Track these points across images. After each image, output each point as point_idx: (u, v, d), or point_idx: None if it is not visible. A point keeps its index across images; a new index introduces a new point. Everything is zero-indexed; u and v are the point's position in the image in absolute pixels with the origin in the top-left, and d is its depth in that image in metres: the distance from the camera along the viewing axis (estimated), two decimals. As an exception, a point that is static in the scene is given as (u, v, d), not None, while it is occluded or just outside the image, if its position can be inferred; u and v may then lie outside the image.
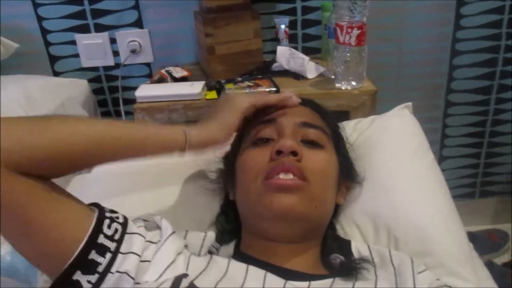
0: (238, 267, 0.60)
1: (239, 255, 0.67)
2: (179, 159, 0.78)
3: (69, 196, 0.58)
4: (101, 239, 0.55)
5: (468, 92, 1.65)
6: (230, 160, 0.76)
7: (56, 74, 1.58)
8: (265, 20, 1.47)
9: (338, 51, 1.17)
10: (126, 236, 0.58)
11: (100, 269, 0.54)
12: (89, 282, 0.53)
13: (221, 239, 0.73)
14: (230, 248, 0.71)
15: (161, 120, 1.25)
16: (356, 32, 1.12)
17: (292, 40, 1.52)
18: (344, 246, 0.72)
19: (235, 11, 1.32)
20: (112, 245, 0.56)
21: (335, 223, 0.78)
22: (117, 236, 0.57)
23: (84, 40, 1.53)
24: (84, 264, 0.54)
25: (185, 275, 0.56)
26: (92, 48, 1.53)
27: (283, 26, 1.44)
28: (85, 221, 0.56)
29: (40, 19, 1.50)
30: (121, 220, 0.60)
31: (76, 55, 1.55)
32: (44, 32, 1.52)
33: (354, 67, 1.18)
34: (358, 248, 0.71)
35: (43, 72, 1.54)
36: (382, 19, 1.51)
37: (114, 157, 0.61)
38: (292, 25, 1.51)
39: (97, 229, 0.56)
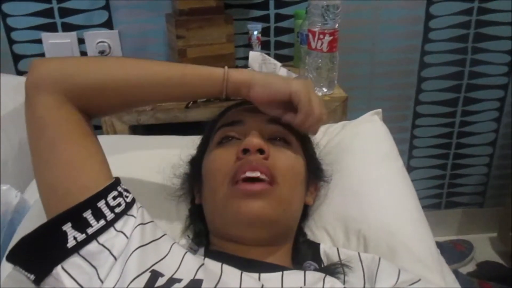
0: (213, 265, 0.59)
1: (210, 254, 0.64)
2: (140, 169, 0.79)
3: (101, 150, 0.61)
4: (101, 204, 0.56)
5: (436, 104, 1.68)
6: (196, 163, 0.74)
7: (19, 73, 1.51)
8: (238, 26, 1.46)
9: (310, 57, 1.18)
10: (125, 216, 0.58)
11: (90, 231, 0.54)
12: (75, 239, 0.53)
13: (197, 241, 0.71)
14: (201, 250, 0.69)
15: (129, 122, 1.22)
16: (328, 38, 1.13)
17: (264, 47, 1.52)
18: (314, 249, 0.70)
19: (208, 14, 1.30)
20: (109, 215, 0.56)
21: (306, 228, 0.76)
22: (117, 210, 0.57)
23: (51, 39, 1.47)
24: (77, 219, 0.54)
25: (161, 274, 0.54)
26: (59, 47, 1.48)
27: (256, 32, 1.44)
28: (101, 177, 0.58)
29: (4, 16, 1.44)
30: (128, 200, 0.60)
31: (42, 55, 1.50)
32: (8, 29, 1.46)
33: (326, 74, 1.18)
34: (326, 252, 0.70)
35: (5, 71, 1.47)
36: (354, 29, 1.53)
37: (153, 94, 0.62)
38: (265, 32, 1.51)
39: (103, 194, 0.56)
